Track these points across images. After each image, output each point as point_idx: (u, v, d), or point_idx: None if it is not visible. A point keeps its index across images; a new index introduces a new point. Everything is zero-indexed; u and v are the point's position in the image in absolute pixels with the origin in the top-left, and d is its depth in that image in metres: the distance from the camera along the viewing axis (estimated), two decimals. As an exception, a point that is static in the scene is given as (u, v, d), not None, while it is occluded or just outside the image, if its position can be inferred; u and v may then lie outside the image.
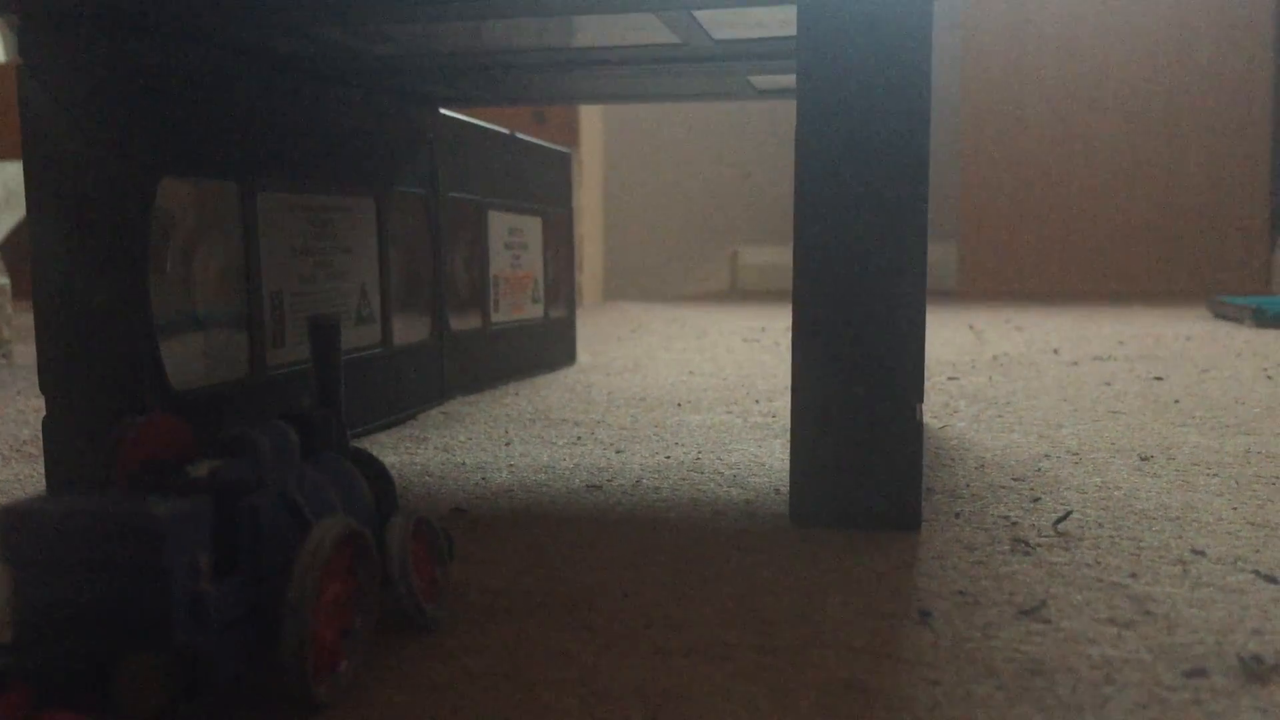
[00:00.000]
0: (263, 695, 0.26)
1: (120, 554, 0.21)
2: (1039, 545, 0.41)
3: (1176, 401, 0.77)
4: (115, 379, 0.46)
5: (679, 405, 0.77)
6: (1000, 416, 0.71)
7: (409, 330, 0.73)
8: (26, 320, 1.43)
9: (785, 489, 0.50)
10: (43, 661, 0.21)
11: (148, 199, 0.47)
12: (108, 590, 0.21)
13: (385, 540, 0.30)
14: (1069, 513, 0.45)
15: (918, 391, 0.42)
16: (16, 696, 0.20)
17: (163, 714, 0.22)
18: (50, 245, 0.46)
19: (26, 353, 1.16)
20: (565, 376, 0.95)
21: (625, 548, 0.41)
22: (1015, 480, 0.52)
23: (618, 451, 0.60)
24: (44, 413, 0.47)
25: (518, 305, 0.91)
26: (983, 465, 0.55)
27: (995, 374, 0.96)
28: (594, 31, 0.55)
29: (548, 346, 0.98)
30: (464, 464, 0.57)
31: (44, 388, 0.47)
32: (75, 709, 0.21)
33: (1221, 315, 1.59)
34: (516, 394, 0.83)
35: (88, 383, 0.47)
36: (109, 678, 0.21)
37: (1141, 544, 0.41)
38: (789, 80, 0.68)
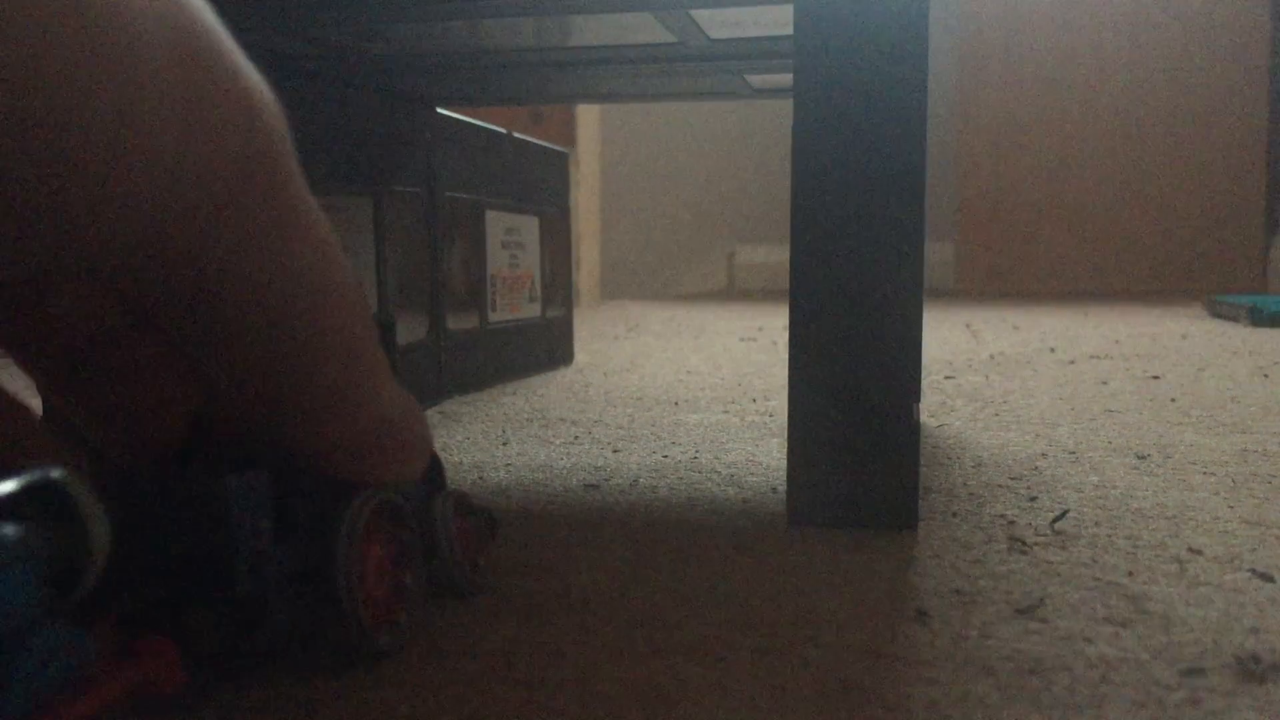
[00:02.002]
0: (333, 658, 0.29)
1: (197, 515, 0.25)
2: (1036, 544, 0.41)
3: (1173, 400, 0.77)
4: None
5: (676, 404, 0.77)
6: (997, 415, 0.71)
7: (406, 330, 0.73)
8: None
9: (782, 488, 0.50)
10: (131, 604, 0.24)
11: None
12: (186, 546, 0.26)
13: (431, 515, 0.33)
14: (1066, 511, 0.45)
15: (915, 391, 0.42)
16: (107, 624, 0.23)
17: (226, 652, 0.26)
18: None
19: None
20: (562, 376, 0.95)
21: (622, 547, 0.41)
22: (1012, 479, 0.52)
23: (615, 451, 0.60)
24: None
25: (515, 304, 0.91)
26: (980, 464, 0.55)
27: (992, 373, 0.96)
28: (591, 31, 0.55)
29: (545, 346, 0.98)
30: (461, 463, 0.57)
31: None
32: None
33: (1218, 314, 1.59)
34: (514, 393, 0.83)
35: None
36: (182, 620, 0.25)
37: (1138, 543, 0.41)
38: (785, 79, 0.68)
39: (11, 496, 0.21)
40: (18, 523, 0.20)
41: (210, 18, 0.21)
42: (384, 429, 0.28)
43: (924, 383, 0.89)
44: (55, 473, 0.21)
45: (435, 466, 0.35)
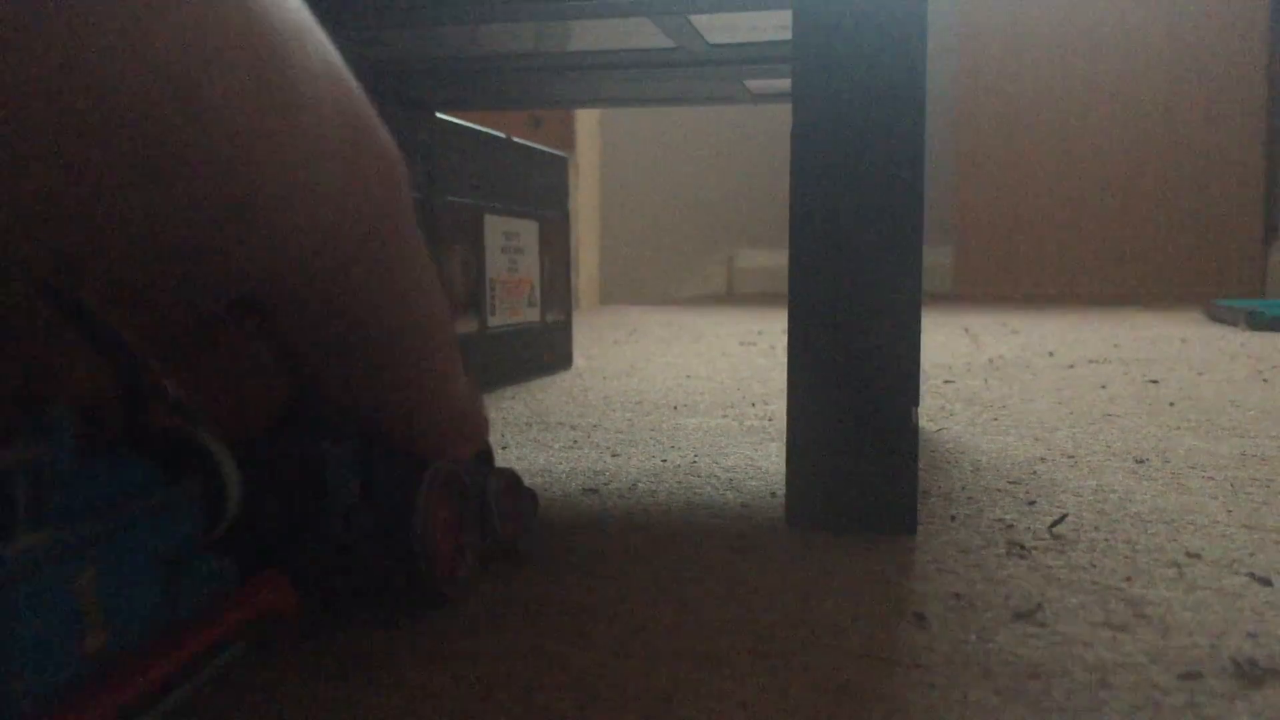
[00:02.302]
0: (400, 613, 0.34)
1: (301, 477, 0.31)
2: (1034, 548, 0.41)
3: (1172, 404, 0.77)
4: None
5: (675, 409, 0.77)
6: (996, 420, 0.71)
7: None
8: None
9: (781, 492, 0.50)
10: (251, 544, 0.30)
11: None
12: (292, 499, 0.31)
13: (484, 488, 0.37)
14: (1064, 516, 0.45)
15: (913, 395, 0.42)
16: (236, 559, 0.28)
17: (325, 589, 0.32)
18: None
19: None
20: (562, 380, 0.95)
21: (621, 551, 0.41)
22: (1011, 483, 0.52)
23: (614, 455, 0.60)
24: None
25: (514, 309, 0.91)
26: (978, 468, 0.56)
27: (991, 377, 0.96)
28: (590, 36, 0.55)
29: (544, 350, 0.98)
30: (460, 468, 0.57)
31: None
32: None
33: (1217, 318, 1.60)
34: (513, 398, 0.83)
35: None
36: (290, 560, 0.31)
37: (1136, 547, 0.41)
38: (784, 84, 0.68)
39: (166, 454, 0.27)
40: (176, 475, 0.26)
41: (361, 90, 0.26)
42: (457, 415, 0.33)
43: (923, 387, 0.89)
44: (199, 435, 0.27)
45: (485, 451, 0.40)
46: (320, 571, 0.31)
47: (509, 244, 0.91)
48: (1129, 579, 0.37)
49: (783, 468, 0.56)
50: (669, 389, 0.89)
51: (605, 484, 0.53)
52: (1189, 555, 0.40)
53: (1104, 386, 0.88)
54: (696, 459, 0.59)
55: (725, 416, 0.74)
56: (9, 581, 0.20)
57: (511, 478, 0.39)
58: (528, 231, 0.95)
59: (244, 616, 0.27)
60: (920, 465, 0.56)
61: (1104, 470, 0.55)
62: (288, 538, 0.31)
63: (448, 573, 0.34)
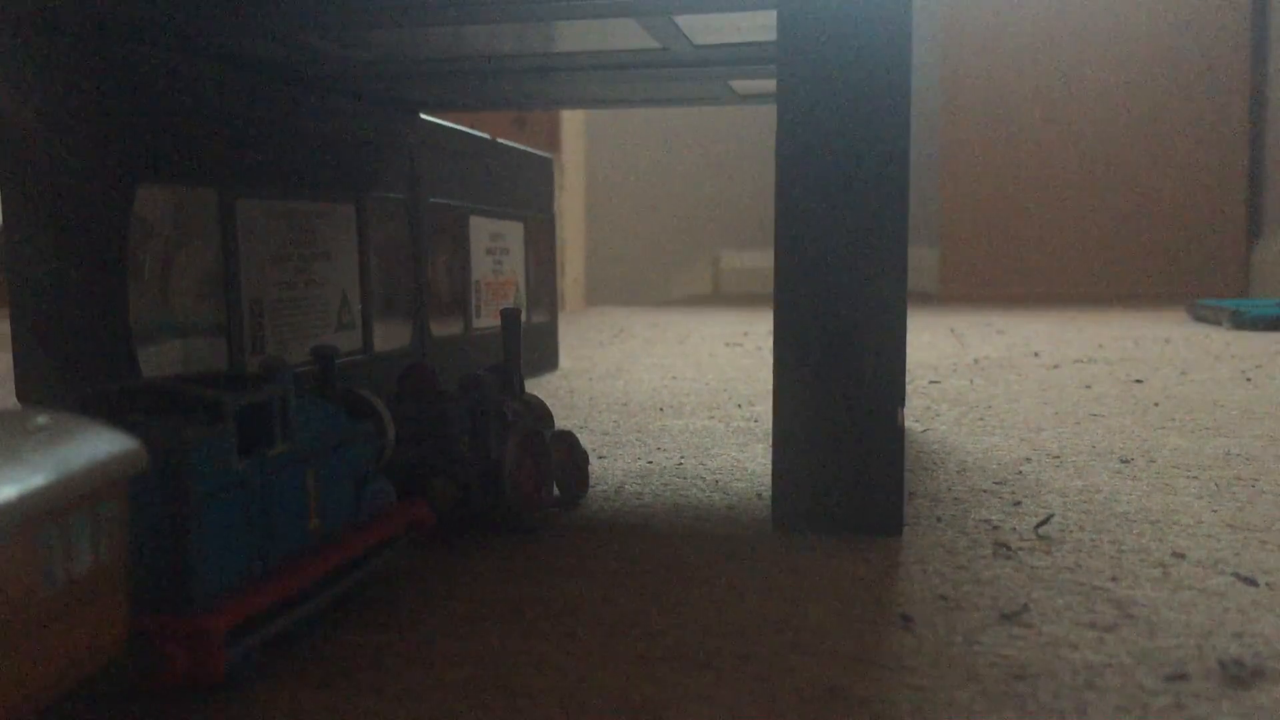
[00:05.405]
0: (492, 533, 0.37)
1: (430, 430, 0.43)
2: (1020, 549, 0.41)
3: (1156, 404, 0.77)
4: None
5: (661, 410, 0.77)
6: (981, 420, 0.71)
7: (390, 336, 0.73)
8: (2, 328, 1.41)
9: (767, 494, 0.50)
10: (400, 475, 0.42)
11: (126, 205, 0.47)
12: (429, 446, 0.43)
13: (554, 446, 0.47)
14: (1050, 516, 0.45)
15: (899, 395, 0.42)
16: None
17: (448, 514, 0.43)
18: (27, 252, 0.46)
19: (3, 360, 1.15)
20: (547, 382, 0.95)
21: (607, 554, 0.41)
22: (997, 484, 0.52)
23: (600, 457, 0.60)
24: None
25: (500, 311, 0.91)
26: (964, 469, 0.56)
27: (976, 377, 0.96)
28: (575, 36, 0.54)
29: (530, 352, 0.98)
30: (445, 470, 0.57)
31: (20, 396, 0.47)
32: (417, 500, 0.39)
33: (1200, 318, 1.60)
34: (498, 399, 0.83)
35: (65, 390, 0.46)
36: (427, 489, 0.42)
37: (1122, 547, 0.41)
38: (769, 85, 0.68)
39: (346, 404, 0.37)
40: (354, 419, 0.36)
41: None
42: None
43: (908, 387, 0.89)
44: (364, 393, 0.38)
45: (548, 414, 0.50)
46: (447, 500, 0.42)
47: (494, 245, 0.90)
48: (1115, 579, 0.37)
49: (769, 469, 0.56)
50: (655, 390, 0.89)
51: (591, 486, 0.53)
52: (1174, 555, 0.40)
53: (1089, 386, 0.88)
54: (683, 460, 0.59)
55: (711, 418, 0.74)
56: (272, 473, 0.30)
57: (571, 438, 0.49)
58: (513, 233, 0.94)
59: (400, 525, 0.36)
60: (906, 466, 0.56)
61: (1089, 470, 0.55)
62: (425, 474, 0.42)
63: (531, 508, 0.44)
